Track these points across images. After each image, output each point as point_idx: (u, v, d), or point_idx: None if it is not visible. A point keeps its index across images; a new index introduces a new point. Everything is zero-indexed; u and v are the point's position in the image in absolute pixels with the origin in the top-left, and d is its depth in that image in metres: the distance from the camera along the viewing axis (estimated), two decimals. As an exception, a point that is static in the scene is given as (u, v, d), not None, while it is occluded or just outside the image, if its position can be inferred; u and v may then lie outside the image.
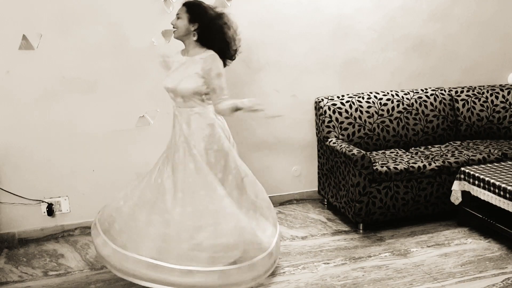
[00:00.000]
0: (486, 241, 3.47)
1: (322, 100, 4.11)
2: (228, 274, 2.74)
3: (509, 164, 3.62)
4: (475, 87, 4.45)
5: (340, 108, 4.07)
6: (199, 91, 2.89)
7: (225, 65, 2.99)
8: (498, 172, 3.47)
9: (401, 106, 4.20)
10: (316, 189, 4.38)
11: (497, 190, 3.28)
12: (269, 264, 2.93)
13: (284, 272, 3.14)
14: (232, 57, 3.04)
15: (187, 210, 2.82)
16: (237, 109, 2.85)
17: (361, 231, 3.71)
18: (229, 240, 2.76)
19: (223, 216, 2.82)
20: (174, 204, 2.84)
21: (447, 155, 3.88)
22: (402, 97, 4.24)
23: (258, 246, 2.85)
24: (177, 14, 2.93)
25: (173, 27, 2.93)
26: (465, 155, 3.87)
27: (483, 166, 3.61)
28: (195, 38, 2.91)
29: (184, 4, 2.94)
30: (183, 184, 2.87)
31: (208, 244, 2.74)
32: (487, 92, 4.42)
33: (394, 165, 3.66)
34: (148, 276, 2.74)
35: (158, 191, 2.91)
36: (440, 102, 4.29)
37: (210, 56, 2.89)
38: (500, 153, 3.89)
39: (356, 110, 4.09)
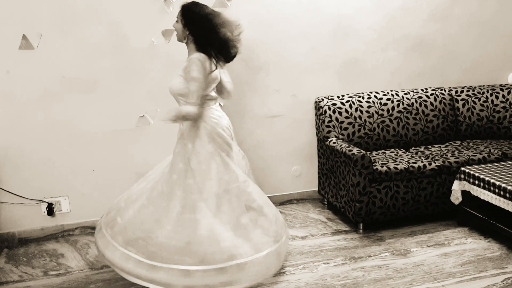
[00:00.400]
0: (486, 241, 3.47)
1: (322, 100, 4.11)
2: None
3: (509, 164, 3.62)
4: (475, 87, 4.45)
5: (340, 108, 4.07)
6: (183, 93, 2.90)
7: (216, 67, 2.96)
8: (498, 172, 3.47)
9: (401, 106, 4.20)
10: (316, 188, 4.38)
11: (497, 190, 3.28)
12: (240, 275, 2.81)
13: (284, 272, 3.14)
14: (230, 59, 2.99)
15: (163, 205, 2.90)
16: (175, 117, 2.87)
17: (361, 231, 3.71)
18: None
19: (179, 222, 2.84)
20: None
21: (447, 155, 3.88)
22: (402, 97, 4.24)
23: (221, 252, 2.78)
24: (176, 17, 2.96)
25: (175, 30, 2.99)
26: (465, 155, 3.87)
27: (483, 166, 3.61)
28: (191, 41, 2.93)
29: (181, 7, 2.96)
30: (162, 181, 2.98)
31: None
32: (487, 92, 4.42)
33: (394, 165, 3.66)
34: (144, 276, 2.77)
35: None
36: (440, 102, 4.29)
37: (191, 59, 2.87)
38: (500, 153, 3.89)
39: (356, 110, 4.09)
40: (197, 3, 2.96)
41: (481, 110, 4.35)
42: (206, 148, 2.93)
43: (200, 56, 2.87)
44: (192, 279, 2.72)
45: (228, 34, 2.91)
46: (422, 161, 3.74)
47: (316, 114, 4.18)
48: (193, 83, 2.83)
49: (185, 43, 2.98)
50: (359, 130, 4.07)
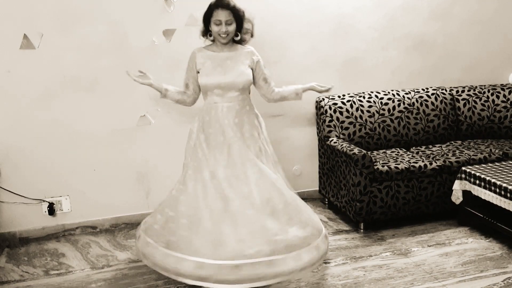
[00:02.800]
0: (487, 240, 3.47)
1: (323, 99, 4.11)
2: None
3: (510, 163, 3.62)
4: (476, 87, 4.45)
5: (341, 107, 4.07)
6: (251, 82, 3.03)
7: None
8: (499, 171, 3.46)
9: (402, 105, 4.19)
10: (317, 188, 4.38)
11: (498, 190, 3.28)
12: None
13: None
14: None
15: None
16: (305, 90, 3.14)
17: (362, 230, 3.71)
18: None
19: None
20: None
21: (448, 155, 3.88)
22: (403, 96, 4.23)
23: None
24: (226, 20, 2.87)
25: (225, 34, 2.90)
26: (466, 154, 3.86)
27: (484, 165, 3.60)
28: (237, 38, 3.00)
29: (229, 9, 2.88)
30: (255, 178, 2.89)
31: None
32: (488, 91, 4.41)
33: (395, 164, 3.66)
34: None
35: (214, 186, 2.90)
36: (441, 101, 4.29)
37: (254, 50, 3.06)
38: (501, 153, 3.89)
39: (357, 109, 4.09)
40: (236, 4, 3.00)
41: (482, 110, 4.34)
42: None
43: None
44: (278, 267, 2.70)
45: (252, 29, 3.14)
46: (423, 161, 3.74)
47: (316, 114, 4.18)
48: (267, 69, 3.10)
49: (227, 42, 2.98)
50: (360, 130, 4.07)
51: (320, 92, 3.23)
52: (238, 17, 2.92)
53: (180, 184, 3.00)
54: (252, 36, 3.09)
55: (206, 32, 3.00)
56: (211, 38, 3.00)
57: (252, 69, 3.01)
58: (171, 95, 3.15)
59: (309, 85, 3.20)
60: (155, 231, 2.88)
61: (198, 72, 3.02)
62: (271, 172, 2.95)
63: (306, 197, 4.37)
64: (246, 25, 3.00)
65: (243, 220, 2.77)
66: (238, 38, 3.00)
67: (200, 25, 3.84)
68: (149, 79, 3.10)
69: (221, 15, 2.87)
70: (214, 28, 2.91)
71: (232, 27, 2.92)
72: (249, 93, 3.08)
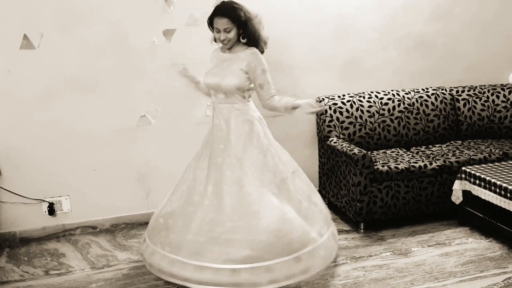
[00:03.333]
0: (487, 240, 3.47)
1: (323, 99, 4.11)
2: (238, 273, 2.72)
3: (510, 163, 3.62)
4: (476, 87, 4.45)
5: (341, 107, 4.07)
6: (243, 87, 2.91)
7: None
8: (499, 171, 3.46)
9: (402, 105, 4.19)
10: (317, 188, 4.36)
11: (498, 190, 3.28)
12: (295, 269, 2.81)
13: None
14: (263, 50, 3.06)
15: (213, 204, 2.83)
16: (294, 108, 2.88)
17: (362, 230, 3.71)
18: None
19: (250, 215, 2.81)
20: (202, 197, 2.88)
21: (448, 155, 3.88)
22: (403, 96, 4.23)
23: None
24: (225, 28, 2.84)
25: (224, 42, 2.89)
26: (466, 154, 3.86)
27: (484, 165, 3.60)
28: (244, 40, 2.93)
29: (227, 17, 2.83)
30: (214, 178, 2.89)
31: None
32: (488, 91, 4.41)
33: (395, 164, 3.66)
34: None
35: (194, 182, 2.97)
36: (441, 101, 4.29)
37: (254, 53, 2.93)
38: (501, 153, 3.89)
39: (357, 109, 4.09)
40: (234, 3, 2.93)
41: (482, 110, 4.34)
42: (263, 141, 3.01)
43: (256, 49, 2.97)
44: (275, 273, 2.73)
45: (261, 28, 3.07)
46: (423, 161, 3.74)
47: (316, 114, 4.17)
48: (268, 74, 2.95)
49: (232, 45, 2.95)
50: (360, 130, 4.07)
51: (307, 113, 2.90)
52: (239, 22, 2.85)
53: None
54: (256, 44, 2.98)
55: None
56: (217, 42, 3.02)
57: (246, 72, 2.91)
58: (203, 88, 3.14)
59: (301, 102, 2.86)
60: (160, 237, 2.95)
61: None
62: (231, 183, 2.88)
63: (306, 197, 4.37)
64: (254, 27, 2.92)
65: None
66: (245, 41, 2.93)
67: (199, 25, 3.86)
68: (190, 72, 3.12)
69: (219, 23, 2.85)
70: (215, 34, 2.92)
71: (232, 34, 2.87)
72: (246, 97, 2.98)
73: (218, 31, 2.88)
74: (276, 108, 2.93)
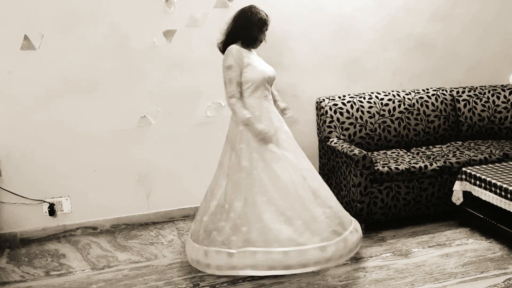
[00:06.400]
0: (488, 241, 3.47)
1: (324, 100, 4.11)
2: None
3: (510, 164, 3.62)
4: (476, 87, 4.45)
5: (341, 108, 4.07)
6: None
7: None
8: (500, 172, 3.46)
9: (402, 106, 4.19)
10: (318, 189, 4.37)
11: (498, 191, 3.28)
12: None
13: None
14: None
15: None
16: (246, 123, 3.06)
17: (362, 231, 3.70)
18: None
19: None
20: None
21: (448, 155, 3.88)
22: (404, 97, 4.23)
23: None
24: (267, 29, 3.21)
25: (263, 41, 3.23)
26: (467, 155, 3.86)
27: (484, 166, 3.60)
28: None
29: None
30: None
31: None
32: (489, 92, 4.41)
33: (396, 165, 3.66)
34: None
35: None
36: (442, 102, 4.29)
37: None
38: (501, 154, 3.89)
39: (357, 110, 4.09)
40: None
41: (483, 111, 4.34)
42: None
43: None
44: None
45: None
46: (423, 162, 3.74)
47: (317, 115, 4.18)
48: None
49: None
50: (360, 131, 4.07)
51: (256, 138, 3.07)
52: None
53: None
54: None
55: (254, 37, 3.16)
56: (251, 42, 3.18)
57: None
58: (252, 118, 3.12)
59: (259, 128, 3.06)
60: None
61: (246, 67, 3.10)
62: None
63: (307, 198, 4.36)
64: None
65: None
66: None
67: (199, 26, 3.86)
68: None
69: (268, 27, 3.25)
70: (262, 35, 3.20)
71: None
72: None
73: (265, 32, 3.21)
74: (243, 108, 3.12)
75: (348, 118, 4.06)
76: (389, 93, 4.24)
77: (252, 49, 3.23)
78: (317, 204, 3.03)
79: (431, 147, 4.16)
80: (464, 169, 3.58)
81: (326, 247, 2.94)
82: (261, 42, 3.23)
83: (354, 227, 3.19)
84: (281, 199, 2.98)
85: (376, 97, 4.18)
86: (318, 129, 4.19)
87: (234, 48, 3.08)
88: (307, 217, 2.97)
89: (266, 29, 3.20)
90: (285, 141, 3.17)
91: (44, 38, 3.59)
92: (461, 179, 3.59)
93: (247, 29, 3.12)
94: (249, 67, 3.08)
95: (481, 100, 4.37)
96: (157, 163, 3.96)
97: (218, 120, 3.98)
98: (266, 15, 3.20)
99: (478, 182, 3.45)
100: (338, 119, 4.04)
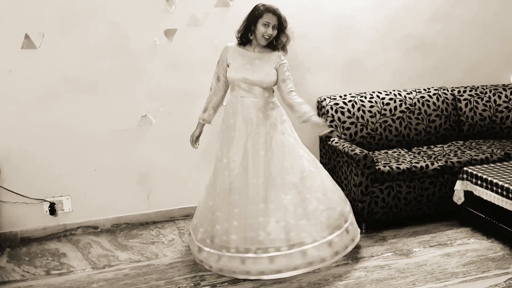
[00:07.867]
0: (489, 241, 3.46)
1: (325, 99, 4.10)
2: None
3: (511, 164, 3.61)
4: (477, 87, 4.44)
5: (342, 107, 4.07)
6: (275, 83, 3.20)
7: None
8: (501, 172, 3.46)
9: (403, 105, 4.19)
10: (318, 188, 4.36)
11: (499, 190, 3.27)
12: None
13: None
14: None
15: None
16: (306, 120, 3.09)
17: (363, 231, 3.70)
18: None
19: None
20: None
21: (449, 155, 3.88)
22: (405, 96, 4.23)
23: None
24: (273, 25, 3.07)
25: (268, 36, 3.07)
26: (468, 154, 3.86)
27: (485, 166, 3.60)
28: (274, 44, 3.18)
29: (277, 16, 3.08)
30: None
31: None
32: (490, 91, 4.41)
33: (397, 164, 3.66)
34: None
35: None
36: (443, 101, 4.28)
37: (282, 55, 3.19)
38: (503, 153, 3.88)
39: (358, 109, 4.09)
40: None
41: (484, 110, 4.34)
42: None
43: None
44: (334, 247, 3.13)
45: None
46: (424, 161, 3.73)
47: (318, 114, 4.17)
48: (289, 72, 3.23)
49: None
50: (361, 130, 4.07)
51: (318, 134, 3.23)
52: (281, 26, 3.11)
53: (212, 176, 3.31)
54: (284, 48, 3.20)
55: (248, 31, 3.11)
56: (251, 37, 3.13)
57: (276, 69, 3.15)
58: (209, 117, 3.36)
59: (317, 121, 3.11)
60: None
61: (228, 66, 3.17)
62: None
63: (308, 198, 4.36)
64: (283, 38, 3.16)
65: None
66: (274, 44, 3.17)
67: (200, 25, 3.86)
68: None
69: (272, 19, 3.06)
70: (261, 28, 3.06)
71: (275, 32, 3.10)
72: (273, 92, 3.24)
73: (267, 25, 3.06)
74: (291, 104, 3.16)
75: (349, 117, 4.06)
76: (390, 93, 4.23)
77: (260, 48, 3.16)
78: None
79: (432, 146, 4.16)
80: (465, 168, 3.58)
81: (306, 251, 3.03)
82: (264, 38, 3.07)
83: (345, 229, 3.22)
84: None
85: (377, 96, 4.18)
86: (319, 128, 4.18)
87: (226, 46, 3.21)
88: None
89: (268, 24, 3.04)
90: (261, 145, 3.13)
91: (45, 38, 3.58)
92: (462, 179, 3.58)
93: (241, 27, 3.16)
94: (230, 66, 3.15)
95: (482, 99, 4.37)
96: (157, 163, 3.96)
97: (218, 120, 3.97)
98: (267, 8, 3.07)
99: (479, 182, 3.44)
100: (339, 119, 4.04)
